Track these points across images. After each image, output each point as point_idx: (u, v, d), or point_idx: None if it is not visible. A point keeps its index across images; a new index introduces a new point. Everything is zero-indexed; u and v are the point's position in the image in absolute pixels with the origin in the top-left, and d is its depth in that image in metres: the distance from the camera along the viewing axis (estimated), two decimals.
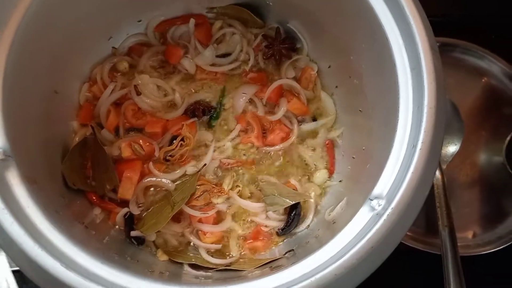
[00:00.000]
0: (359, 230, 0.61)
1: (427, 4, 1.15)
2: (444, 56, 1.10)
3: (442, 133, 0.64)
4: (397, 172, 0.62)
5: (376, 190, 0.62)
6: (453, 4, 1.18)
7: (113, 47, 0.93)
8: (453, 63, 1.12)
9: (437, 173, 1.02)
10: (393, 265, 0.99)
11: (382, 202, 0.61)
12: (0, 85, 0.63)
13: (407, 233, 1.01)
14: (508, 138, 1.04)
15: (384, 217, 0.59)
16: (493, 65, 1.11)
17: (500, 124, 1.10)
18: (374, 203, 0.61)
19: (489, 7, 1.18)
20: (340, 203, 0.79)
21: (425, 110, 0.62)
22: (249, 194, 0.88)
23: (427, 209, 1.03)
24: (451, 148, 1.05)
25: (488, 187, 1.07)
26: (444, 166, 1.04)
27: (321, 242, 0.72)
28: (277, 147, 0.91)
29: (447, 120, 1.03)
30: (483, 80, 1.12)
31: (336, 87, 0.93)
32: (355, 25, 0.76)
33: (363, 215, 0.62)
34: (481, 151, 1.09)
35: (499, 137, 1.08)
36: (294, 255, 0.79)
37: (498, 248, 1.00)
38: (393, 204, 0.59)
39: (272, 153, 0.92)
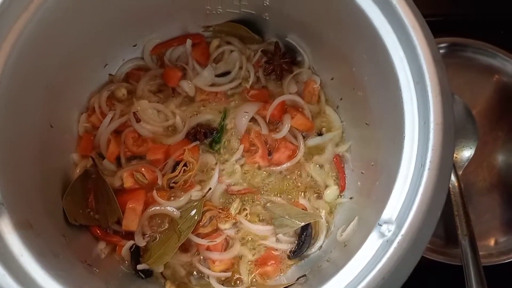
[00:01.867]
0: (369, 258, 0.58)
1: (433, 3, 1.12)
2: (453, 56, 1.08)
3: (452, 150, 0.61)
4: (406, 194, 0.59)
5: (385, 215, 0.59)
6: (460, 2, 1.14)
7: (109, 74, 0.91)
8: (462, 63, 1.08)
9: (453, 179, 0.98)
10: (414, 279, 0.96)
11: (392, 227, 0.58)
12: None
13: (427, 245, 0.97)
14: None
15: (395, 244, 0.56)
16: (505, 63, 1.06)
17: None
18: (384, 228, 0.58)
19: (498, 4, 1.13)
20: (352, 223, 0.76)
21: (432, 126, 0.59)
22: (258, 217, 0.86)
23: (446, 218, 0.98)
24: (466, 152, 1.01)
25: (508, 191, 1.02)
26: (460, 172, 0.99)
27: (334, 267, 0.69)
28: (284, 166, 0.88)
29: (459, 123, 1.02)
30: (494, 78, 1.08)
31: (341, 99, 0.89)
32: (355, 36, 0.73)
33: (373, 242, 0.59)
34: (498, 153, 1.04)
35: None
36: (307, 281, 0.76)
37: None
38: (403, 230, 0.56)
39: (279, 173, 0.89)
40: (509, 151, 1.04)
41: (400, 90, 0.64)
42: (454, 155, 1.01)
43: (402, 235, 0.56)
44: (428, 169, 0.58)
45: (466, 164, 1.00)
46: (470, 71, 1.08)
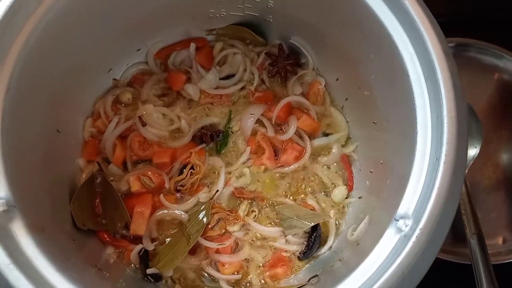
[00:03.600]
0: (387, 254, 0.57)
1: (436, 4, 1.13)
2: (456, 56, 1.09)
3: (466, 142, 0.60)
4: (422, 188, 0.58)
5: (401, 209, 0.59)
6: (463, 2, 1.15)
7: (114, 79, 0.90)
8: (465, 63, 1.09)
9: None
10: (423, 279, 0.95)
11: (409, 222, 0.57)
12: None
13: None
14: None
15: (413, 239, 0.55)
16: (507, 62, 1.07)
17: None
18: (401, 223, 0.58)
19: (500, 3, 1.14)
20: (363, 222, 0.75)
21: (445, 120, 0.59)
22: (267, 219, 0.85)
23: (453, 218, 0.99)
24: (471, 151, 1.01)
25: None
26: (465, 171, 0.99)
27: (347, 266, 0.69)
28: (291, 167, 0.88)
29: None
30: (496, 77, 1.08)
31: (346, 99, 0.89)
32: (360, 35, 0.73)
33: (390, 237, 0.58)
34: (502, 151, 1.05)
35: None
36: (319, 281, 0.75)
37: None
38: (421, 224, 0.56)
39: (287, 174, 0.88)
40: None
41: (411, 86, 0.64)
42: None
43: (420, 229, 0.55)
44: (444, 162, 0.57)
45: (472, 163, 1.01)
46: (473, 71, 1.09)
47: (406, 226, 0.57)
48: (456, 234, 0.98)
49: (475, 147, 1.01)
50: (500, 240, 0.99)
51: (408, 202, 0.59)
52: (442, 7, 1.13)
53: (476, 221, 0.92)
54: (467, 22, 1.14)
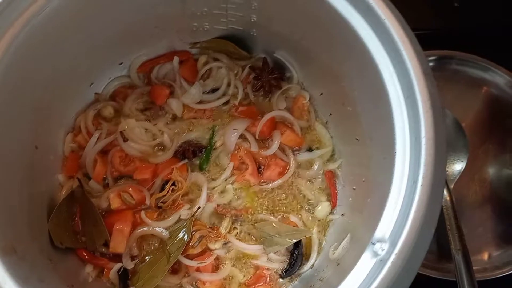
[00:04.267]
0: (363, 278, 0.56)
1: (424, 17, 1.12)
2: (443, 69, 1.08)
3: (444, 165, 0.60)
4: (399, 212, 0.58)
5: (378, 233, 0.58)
6: (450, 16, 1.14)
7: (95, 93, 0.89)
8: (452, 76, 1.08)
9: (445, 193, 0.97)
10: None
11: (385, 246, 0.56)
12: None
13: None
14: None
15: (389, 264, 0.54)
16: (495, 75, 1.07)
17: (506, 136, 1.05)
18: (377, 247, 0.57)
19: (488, 18, 1.14)
20: (344, 240, 0.74)
21: (423, 142, 0.58)
22: (249, 236, 0.84)
23: (438, 233, 0.96)
24: (457, 166, 1.00)
25: (500, 203, 1.01)
26: (451, 185, 0.99)
27: (327, 286, 0.68)
28: (275, 183, 0.87)
29: (450, 137, 1.01)
30: (484, 91, 1.08)
31: (331, 114, 0.89)
32: (344, 52, 0.72)
33: (366, 261, 0.57)
34: (489, 166, 1.04)
35: (507, 149, 1.03)
36: None
37: None
38: (397, 249, 0.55)
39: (270, 190, 0.87)
40: (499, 164, 1.03)
41: (390, 105, 0.63)
42: (446, 168, 1.00)
43: (396, 253, 0.54)
44: (421, 185, 0.57)
45: (458, 177, 1.00)
46: (460, 84, 1.08)
47: (382, 250, 0.56)
48: (441, 250, 0.97)
49: (461, 161, 1.00)
50: (485, 256, 0.98)
51: (385, 226, 0.58)
52: (430, 21, 1.14)
53: (461, 236, 0.91)
54: (455, 35, 1.14)
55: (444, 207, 0.96)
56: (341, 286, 0.57)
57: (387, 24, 0.62)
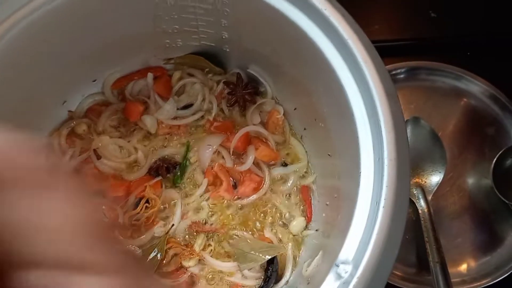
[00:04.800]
0: None
1: (400, 28, 1.13)
2: (419, 79, 1.09)
3: (408, 186, 0.59)
4: (362, 234, 0.57)
5: (342, 255, 0.58)
6: (427, 26, 1.15)
7: (69, 111, 0.89)
8: (428, 86, 1.08)
9: (423, 204, 0.97)
10: None
11: (349, 268, 0.56)
12: None
13: (397, 273, 0.96)
14: (495, 159, 0.99)
15: (351, 286, 0.54)
16: (472, 85, 1.07)
17: (484, 145, 1.05)
18: (341, 269, 0.57)
19: (463, 28, 1.14)
20: (316, 258, 0.74)
21: (386, 162, 0.58)
22: (223, 253, 0.84)
23: (417, 245, 0.98)
24: (435, 177, 1.00)
25: (479, 213, 1.01)
26: (429, 197, 0.99)
27: None
28: (250, 198, 0.87)
29: (427, 148, 1.01)
30: (462, 101, 1.08)
31: (305, 129, 0.89)
32: (312, 69, 0.72)
33: (331, 283, 0.57)
34: (467, 175, 1.04)
35: (485, 158, 1.03)
36: None
37: (496, 281, 0.94)
38: (359, 271, 0.55)
39: (245, 206, 0.87)
40: (478, 174, 1.03)
41: (355, 124, 0.63)
42: (424, 180, 1.01)
43: (358, 277, 0.54)
44: (383, 207, 0.56)
45: (436, 188, 1.00)
46: (437, 94, 1.08)
47: (346, 272, 0.56)
48: (421, 262, 0.97)
49: (439, 172, 1.00)
50: (464, 268, 0.98)
51: (349, 247, 0.58)
52: (407, 32, 1.14)
53: (439, 248, 0.91)
54: (432, 46, 1.14)
55: (422, 218, 0.96)
56: None
57: (350, 44, 0.62)
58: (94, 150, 0.86)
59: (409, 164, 0.60)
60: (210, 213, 0.86)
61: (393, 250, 0.57)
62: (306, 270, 0.76)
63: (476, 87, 1.07)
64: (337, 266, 0.57)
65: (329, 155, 0.80)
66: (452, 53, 1.11)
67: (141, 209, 0.83)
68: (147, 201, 0.84)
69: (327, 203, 0.82)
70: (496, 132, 1.06)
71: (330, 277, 0.57)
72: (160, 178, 0.86)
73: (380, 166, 0.59)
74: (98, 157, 0.86)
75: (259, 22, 0.73)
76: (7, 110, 0.73)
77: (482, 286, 0.94)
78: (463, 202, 1.02)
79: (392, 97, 0.61)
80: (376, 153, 0.60)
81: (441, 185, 1.00)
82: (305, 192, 0.87)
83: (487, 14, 1.14)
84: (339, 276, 0.57)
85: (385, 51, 1.08)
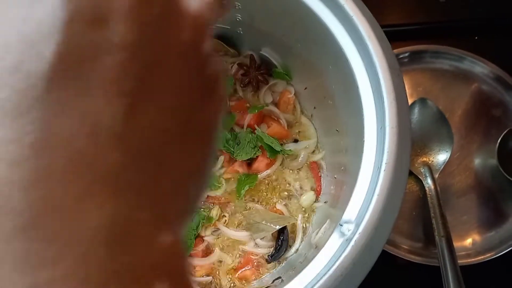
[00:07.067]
0: (331, 255, 0.61)
1: (409, 12, 1.16)
2: (426, 62, 1.12)
3: (408, 152, 0.64)
4: (365, 196, 0.62)
5: (346, 215, 0.62)
6: (434, 11, 1.18)
7: None
8: (436, 69, 1.12)
9: (430, 182, 1.01)
10: (392, 280, 0.99)
11: (352, 227, 0.61)
12: None
13: (404, 246, 1.00)
14: (499, 139, 1.02)
15: (352, 242, 0.59)
16: (479, 68, 1.10)
17: (491, 126, 1.08)
18: (344, 228, 0.61)
19: (471, 12, 1.17)
20: (323, 226, 0.79)
21: (387, 130, 0.62)
22: (236, 223, 0.89)
23: (424, 221, 1.02)
24: (442, 156, 1.04)
25: (485, 192, 1.05)
26: (436, 175, 1.02)
27: (304, 265, 0.72)
28: (263, 174, 0.92)
29: (434, 129, 1.05)
30: (469, 83, 1.11)
31: (314, 108, 0.93)
32: (321, 48, 0.77)
33: (335, 241, 0.62)
34: (474, 155, 1.07)
35: (491, 139, 1.06)
36: (282, 282, 0.79)
37: (500, 254, 0.97)
38: (360, 229, 0.59)
39: (259, 180, 0.92)
40: (484, 154, 1.07)
41: (360, 98, 0.67)
42: (431, 159, 1.04)
43: (359, 233, 0.59)
44: (384, 170, 0.61)
45: (443, 167, 1.03)
46: (445, 77, 1.12)
47: (349, 230, 0.61)
48: (427, 237, 1.01)
49: (446, 151, 1.04)
50: (469, 242, 1.01)
51: (352, 209, 0.62)
52: (417, 16, 1.18)
53: (445, 224, 0.95)
54: (442, 30, 1.17)
55: (429, 195, 1.00)
56: (312, 262, 0.62)
57: (355, 21, 0.67)
58: None
59: (410, 132, 0.64)
60: (225, 187, 0.91)
61: (393, 211, 0.62)
62: (315, 238, 0.81)
63: (483, 70, 1.10)
64: (341, 225, 0.62)
65: (337, 130, 0.84)
66: (460, 37, 1.14)
67: None
68: None
69: (335, 176, 0.86)
70: (502, 114, 1.09)
71: (334, 236, 0.62)
72: None
73: (382, 133, 0.63)
74: None
75: (271, 4, 0.78)
76: None
77: (486, 259, 0.97)
78: (469, 180, 1.06)
79: (395, 71, 0.65)
80: (379, 122, 0.65)
81: (448, 164, 1.04)
82: (314, 168, 0.92)
83: None
84: (342, 234, 0.61)
85: (395, 35, 1.13)
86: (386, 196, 0.60)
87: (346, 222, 0.62)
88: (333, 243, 0.62)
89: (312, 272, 0.60)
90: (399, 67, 0.67)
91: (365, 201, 0.62)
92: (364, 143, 0.65)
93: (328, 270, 0.58)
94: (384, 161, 0.61)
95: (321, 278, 0.57)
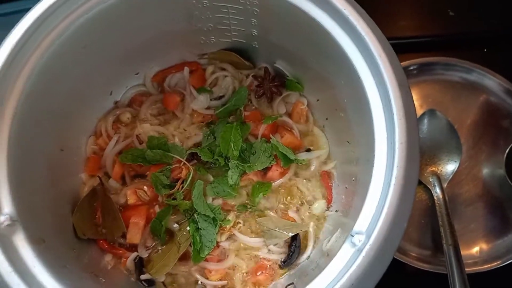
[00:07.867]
0: (343, 265, 0.64)
1: (420, 25, 1.19)
2: (436, 74, 1.15)
3: (417, 167, 0.67)
4: (375, 208, 0.65)
5: (357, 226, 0.65)
6: (444, 24, 1.21)
7: (115, 101, 0.99)
8: (446, 81, 1.15)
9: (438, 191, 1.04)
10: (401, 287, 1.01)
11: (362, 238, 0.64)
12: (5, 155, 0.69)
13: (413, 254, 1.03)
14: (507, 150, 1.04)
15: (363, 253, 0.62)
16: (488, 80, 1.13)
17: (499, 137, 1.11)
18: (356, 239, 0.65)
19: (480, 25, 1.20)
20: (335, 234, 0.82)
21: (397, 145, 0.65)
22: (250, 230, 0.92)
23: (433, 229, 1.05)
24: (451, 166, 1.07)
25: (492, 201, 1.07)
26: (445, 184, 1.05)
27: (316, 273, 0.75)
28: (276, 182, 0.95)
29: (443, 139, 1.07)
30: (478, 95, 1.14)
31: (326, 119, 0.96)
32: (333, 63, 0.80)
33: (346, 251, 0.65)
34: (482, 166, 1.10)
35: (499, 150, 1.09)
36: None
37: (507, 263, 1.00)
38: (371, 240, 0.62)
39: (272, 189, 0.95)
40: (492, 164, 1.09)
41: (371, 113, 0.71)
42: (440, 168, 1.07)
43: (370, 244, 0.62)
44: (394, 184, 0.64)
45: (451, 177, 1.06)
46: (454, 89, 1.15)
47: (360, 241, 0.64)
48: (436, 245, 1.04)
49: (455, 162, 1.07)
50: (477, 251, 1.04)
51: (364, 220, 0.65)
52: (428, 29, 1.21)
53: (452, 232, 0.98)
54: (452, 42, 1.20)
55: (438, 204, 1.03)
56: (324, 271, 0.65)
57: (366, 40, 0.70)
58: (137, 136, 0.95)
59: (418, 147, 0.67)
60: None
61: (401, 223, 0.65)
62: (326, 245, 0.84)
63: (492, 82, 1.13)
64: (352, 236, 0.65)
65: (348, 142, 0.87)
66: (469, 49, 1.17)
67: (177, 189, 0.92)
68: (183, 182, 0.93)
69: (346, 186, 0.90)
70: (510, 125, 1.11)
71: (346, 245, 0.65)
72: (195, 161, 0.95)
73: (392, 148, 0.66)
74: (140, 142, 0.95)
75: (286, 21, 0.81)
76: (62, 99, 0.83)
77: (493, 268, 1.00)
78: (477, 190, 1.08)
79: (404, 88, 0.69)
80: (389, 137, 0.68)
81: (456, 174, 1.07)
82: (325, 177, 0.95)
83: (503, 12, 1.19)
84: (353, 245, 0.64)
85: (406, 48, 1.17)
86: (396, 209, 0.63)
87: (357, 233, 0.65)
88: (345, 253, 0.65)
89: (324, 281, 0.63)
90: (408, 84, 0.70)
91: (375, 213, 0.65)
92: (374, 156, 0.69)
93: (340, 280, 0.61)
94: (394, 175, 0.64)
95: (333, 287, 0.61)
